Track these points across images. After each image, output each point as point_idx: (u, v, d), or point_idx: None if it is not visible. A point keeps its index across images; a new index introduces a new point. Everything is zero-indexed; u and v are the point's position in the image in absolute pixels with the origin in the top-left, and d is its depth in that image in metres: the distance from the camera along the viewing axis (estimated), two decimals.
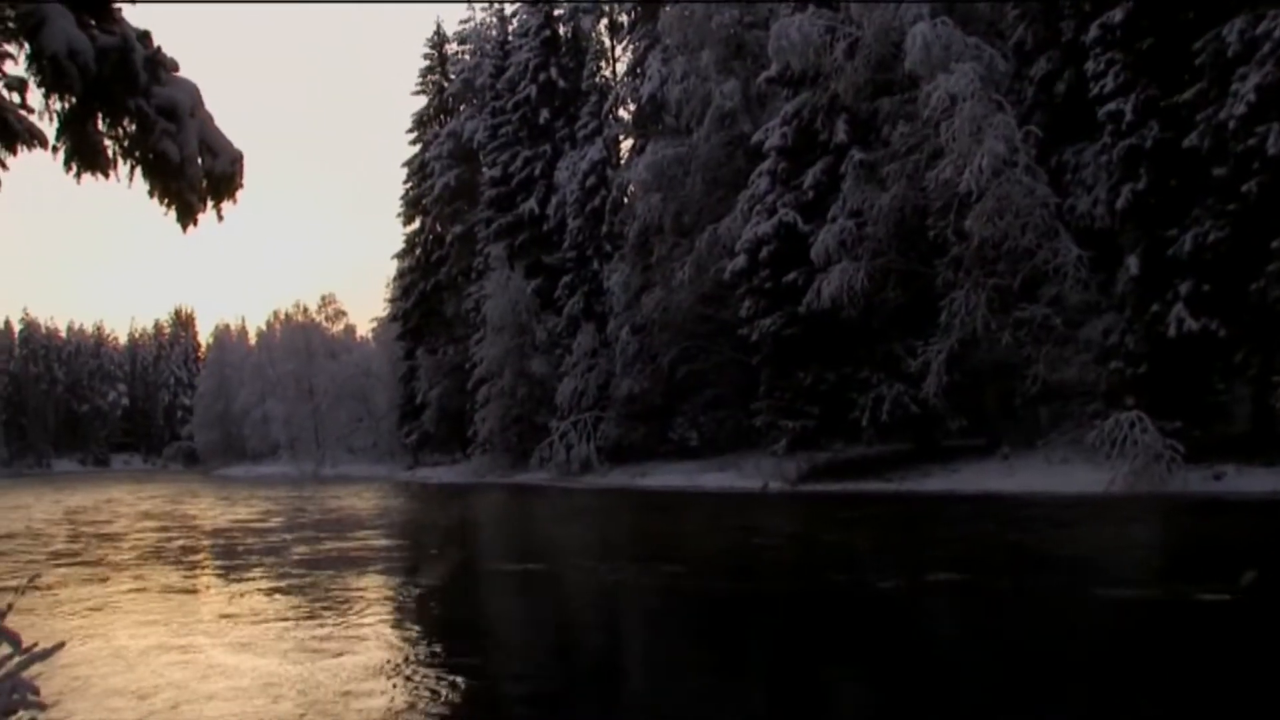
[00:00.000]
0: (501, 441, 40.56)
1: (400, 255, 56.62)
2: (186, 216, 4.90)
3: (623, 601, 9.57)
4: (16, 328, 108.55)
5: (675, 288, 29.69)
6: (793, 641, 7.15)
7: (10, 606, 4.07)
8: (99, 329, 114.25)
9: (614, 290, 33.86)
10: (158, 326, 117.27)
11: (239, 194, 5.07)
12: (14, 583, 10.91)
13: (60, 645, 4.12)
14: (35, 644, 3.94)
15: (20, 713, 4.08)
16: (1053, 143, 21.02)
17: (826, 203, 24.06)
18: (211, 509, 26.33)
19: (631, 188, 34.22)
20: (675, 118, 31.08)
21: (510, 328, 40.20)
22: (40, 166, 5.14)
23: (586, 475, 33.82)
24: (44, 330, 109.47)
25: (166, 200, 4.86)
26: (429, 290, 51.41)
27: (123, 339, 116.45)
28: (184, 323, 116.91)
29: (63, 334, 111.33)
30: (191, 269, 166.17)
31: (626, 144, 39.05)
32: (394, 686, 5.80)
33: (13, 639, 3.95)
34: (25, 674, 3.93)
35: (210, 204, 4.98)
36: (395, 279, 58.58)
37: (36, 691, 4.02)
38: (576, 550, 14.69)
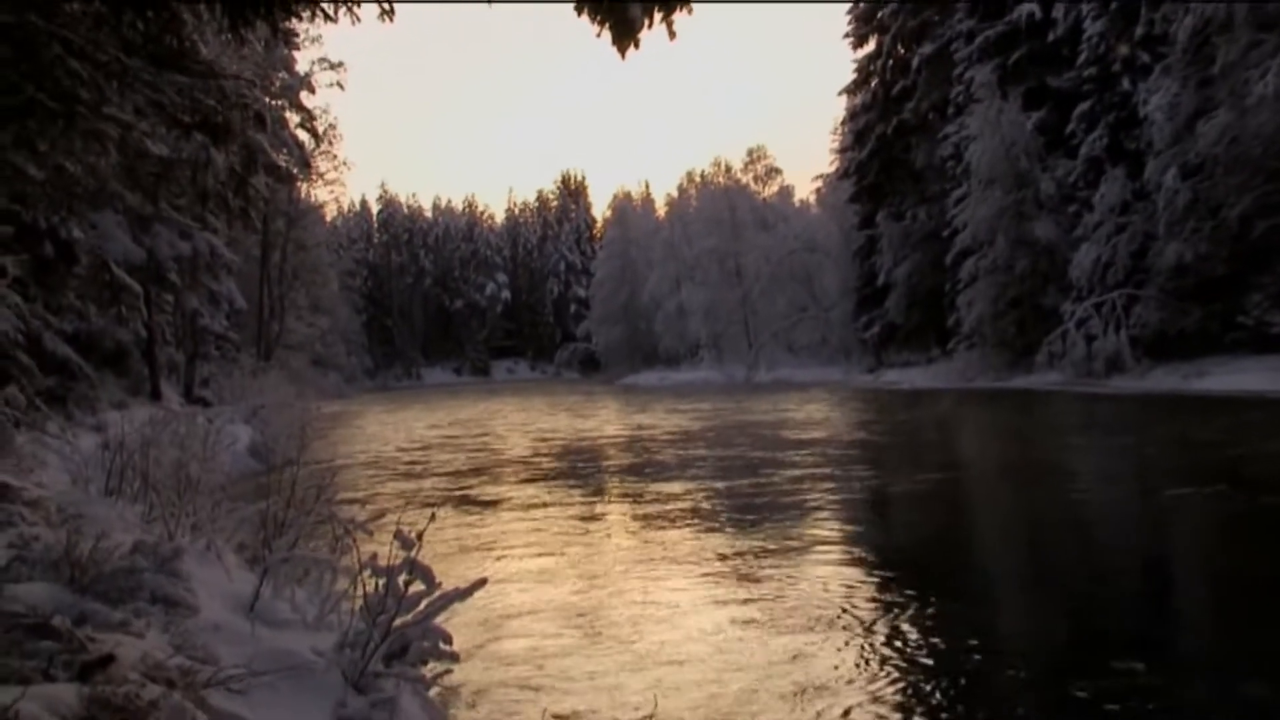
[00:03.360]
0: (993, 333, 41.09)
1: (850, 90, 57.72)
2: (626, 35, 4.94)
3: None
4: (374, 209, 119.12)
5: (1251, 107, 28.22)
6: None
7: (420, 538, 4.37)
8: (470, 206, 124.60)
9: (1154, 118, 32.58)
10: (541, 199, 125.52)
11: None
12: (399, 502, 13.71)
13: (481, 582, 4.52)
14: (439, 583, 4.41)
15: (431, 664, 4.58)
16: None
17: None
18: (624, 425, 29.45)
19: None
20: None
21: (1004, 179, 40.28)
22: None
23: (1114, 377, 33.68)
24: (406, 210, 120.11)
25: (600, 16, 4.93)
26: (890, 134, 52.25)
27: (499, 217, 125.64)
28: (573, 193, 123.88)
29: (428, 213, 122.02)
30: (578, 124, 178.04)
31: None
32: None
33: (426, 575, 4.37)
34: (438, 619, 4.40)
35: (658, 15, 4.99)
36: (845, 122, 59.72)
37: (449, 640, 4.52)
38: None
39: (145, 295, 24.77)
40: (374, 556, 4.62)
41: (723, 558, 9.47)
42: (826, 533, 10.67)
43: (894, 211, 51.91)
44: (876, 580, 8.53)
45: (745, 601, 7.82)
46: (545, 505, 13.55)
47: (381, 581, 4.44)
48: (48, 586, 4.80)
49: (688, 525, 11.38)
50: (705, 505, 12.80)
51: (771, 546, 9.86)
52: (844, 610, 7.41)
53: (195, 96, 6.27)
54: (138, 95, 6.15)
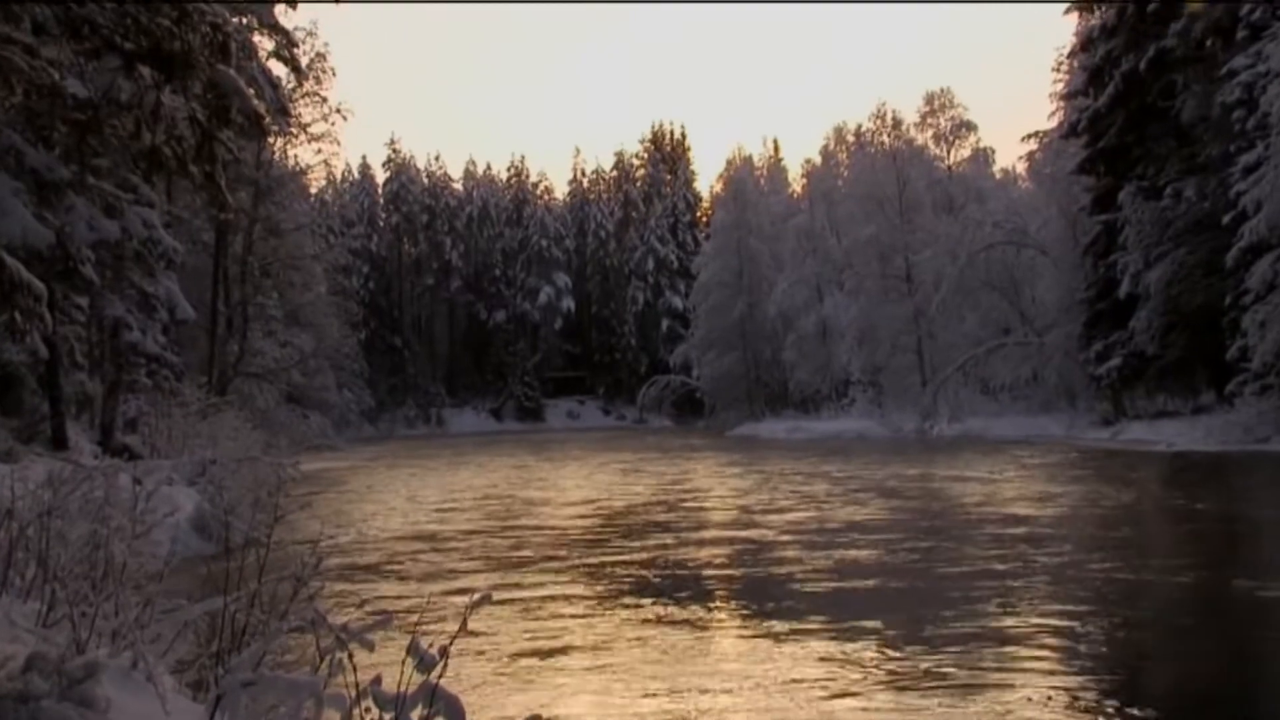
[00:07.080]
0: None
1: (1082, 5, 57.71)
2: None
3: None
4: (380, 176, 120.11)
5: None
6: None
7: (446, 654, 4.45)
8: (518, 173, 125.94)
9: None
10: (621, 166, 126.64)
11: None
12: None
13: None
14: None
15: None
16: None
17: None
18: (749, 511, 29.26)
19: None
20: None
21: None
22: None
23: None
24: (425, 177, 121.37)
25: None
26: (1144, 71, 51.79)
27: (560, 190, 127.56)
28: (669, 156, 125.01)
29: (457, 184, 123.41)
30: (676, 59, 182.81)
31: None
32: None
33: (452, 708, 4.41)
34: None
35: None
36: (1073, 54, 59.47)
37: None
38: None
39: (49, 297, 24.92)
40: (378, 679, 4.64)
41: None
42: None
43: (1147, 186, 51.20)
44: None
45: None
46: (628, 629, 13.55)
47: (389, 717, 4.45)
48: None
49: None
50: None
51: None
52: None
53: (138, 15, 6.29)
54: (49, 8, 6.17)
